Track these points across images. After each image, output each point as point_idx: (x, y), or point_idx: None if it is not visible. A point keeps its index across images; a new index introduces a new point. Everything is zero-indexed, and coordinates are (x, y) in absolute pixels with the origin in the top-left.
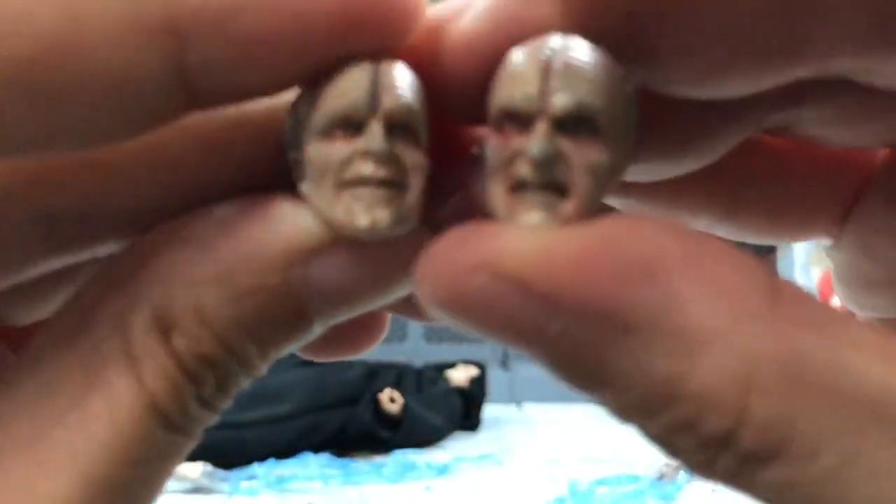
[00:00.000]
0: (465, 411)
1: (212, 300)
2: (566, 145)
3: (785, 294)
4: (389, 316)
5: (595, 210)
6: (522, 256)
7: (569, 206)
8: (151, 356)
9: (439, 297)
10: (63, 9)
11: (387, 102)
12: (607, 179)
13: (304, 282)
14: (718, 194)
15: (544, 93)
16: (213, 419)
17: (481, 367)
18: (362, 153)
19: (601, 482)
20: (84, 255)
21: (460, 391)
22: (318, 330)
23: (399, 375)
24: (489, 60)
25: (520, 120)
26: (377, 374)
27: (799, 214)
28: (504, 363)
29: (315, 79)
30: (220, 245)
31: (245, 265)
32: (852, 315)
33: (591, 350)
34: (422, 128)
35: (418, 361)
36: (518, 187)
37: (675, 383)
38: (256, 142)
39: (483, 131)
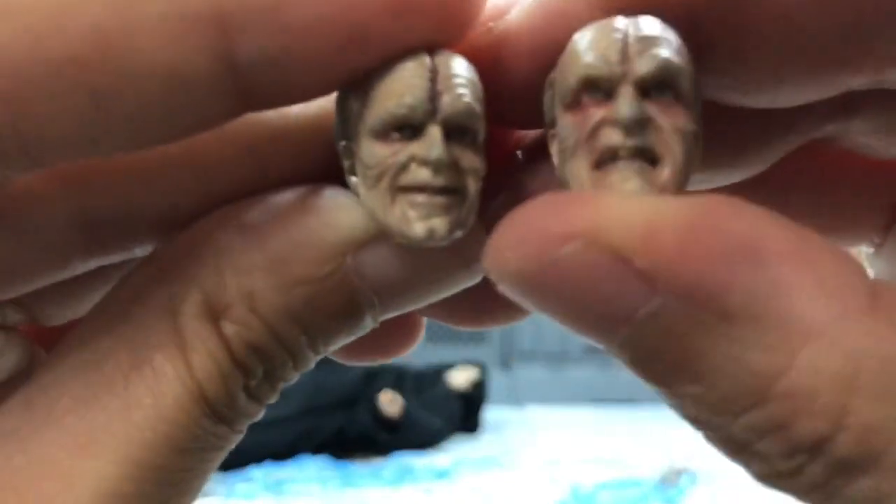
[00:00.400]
0: (465, 413)
1: (263, 287)
2: (653, 110)
3: (885, 295)
4: (425, 319)
5: (687, 182)
6: (626, 227)
7: (665, 172)
8: (201, 342)
9: (521, 266)
10: (107, 4)
11: (446, 105)
12: (694, 146)
13: (355, 273)
14: (768, 201)
15: (626, 58)
16: (259, 414)
17: (482, 368)
18: (422, 160)
19: (604, 486)
20: (121, 256)
21: (460, 393)
22: (368, 324)
23: (398, 377)
24: (543, 56)
25: (601, 89)
26: (376, 376)
27: (843, 222)
28: (505, 364)
29: (366, 73)
30: (273, 233)
31: (297, 253)
32: None
33: (683, 338)
34: (481, 128)
35: (418, 362)
36: (604, 160)
37: (771, 379)
38: (299, 144)
39: (526, 134)
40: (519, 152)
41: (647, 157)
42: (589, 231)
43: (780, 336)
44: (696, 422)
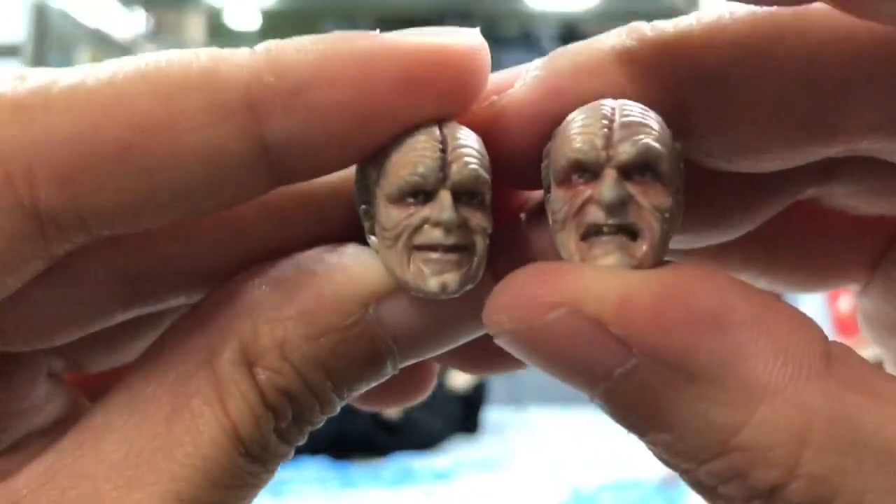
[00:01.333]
0: (464, 414)
1: (293, 337)
2: (633, 190)
3: (838, 356)
4: (437, 367)
5: (664, 252)
6: (603, 297)
7: (643, 246)
8: (236, 387)
9: (513, 328)
10: (153, 93)
11: (455, 172)
12: (671, 223)
13: (377, 323)
14: (756, 255)
15: (609, 144)
16: (289, 455)
17: None
18: (434, 222)
19: (605, 488)
20: (158, 307)
21: (460, 394)
22: (389, 371)
23: None
24: (540, 127)
25: (588, 171)
26: None
27: (830, 268)
28: None
29: (382, 146)
30: (303, 287)
31: (324, 306)
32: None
33: (654, 394)
34: (487, 191)
35: None
36: (590, 234)
37: (731, 432)
38: (322, 207)
39: (530, 195)
40: (522, 214)
41: (628, 232)
42: (571, 300)
43: (739, 395)
44: (668, 465)
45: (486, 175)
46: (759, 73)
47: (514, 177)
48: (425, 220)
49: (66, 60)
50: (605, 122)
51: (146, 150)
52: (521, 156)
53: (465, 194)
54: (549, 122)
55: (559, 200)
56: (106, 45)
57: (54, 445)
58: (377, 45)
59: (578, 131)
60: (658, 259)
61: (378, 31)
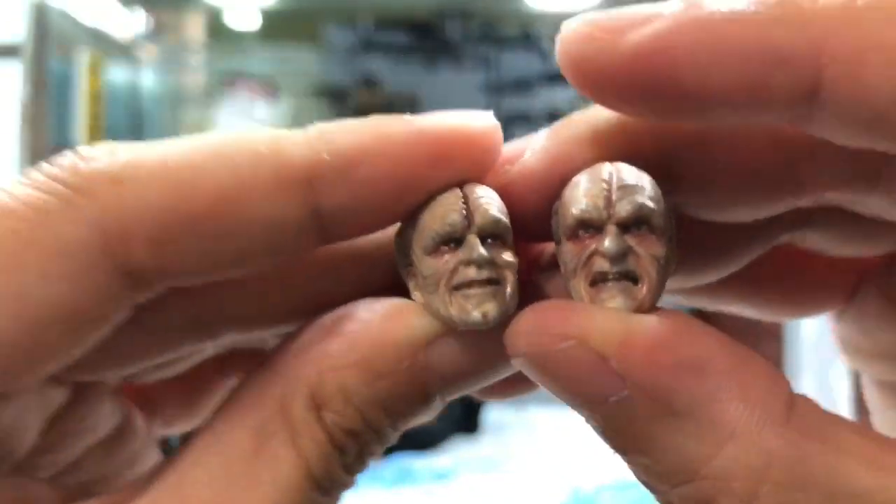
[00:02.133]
0: (465, 414)
1: (355, 382)
2: (632, 242)
3: (800, 406)
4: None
5: (661, 293)
6: (606, 335)
7: (643, 290)
8: (307, 430)
9: (529, 353)
10: (228, 169)
11: (478, 218)
12: (665, 268)
13: (425, 365)
14: (744, 290)
15: (609, 204)
16: (353, 485)
17: None
18: (466, 262)
19: (605, 488)
20: (213, 342)
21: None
22: (438, 405)
23: None
24: (548, 190)
25: (592, 227)
26: None
27: (810, 300)
28: None
29: (415, 209)
30: (360, 336)
31: (380, 353)
32: (853, 424)
33: (639, 422)
34: (508, 234)
35: None
36: (597, 280)
37: (701, 463)
38: (367, 264)
39: (543, 246)
40: (540, 264)
41: (629, 278)
42: (580, 335)
43: (711, 432)
44: (646, 485)
45: (505, 219)
46: (733, 139)
47: (527, 231)
48: (459, 263)
49: (65, 60)
50: (604, 185)
51: (222, 218)
52: (532, 214)
53: (489, 237)
54: (556, 185)
55: (569, 252)
56: (106, 45)
57: (145, 489)
58: (411, 128)
59: (583, 194)
60: (656, 299)
61: (376, 29)
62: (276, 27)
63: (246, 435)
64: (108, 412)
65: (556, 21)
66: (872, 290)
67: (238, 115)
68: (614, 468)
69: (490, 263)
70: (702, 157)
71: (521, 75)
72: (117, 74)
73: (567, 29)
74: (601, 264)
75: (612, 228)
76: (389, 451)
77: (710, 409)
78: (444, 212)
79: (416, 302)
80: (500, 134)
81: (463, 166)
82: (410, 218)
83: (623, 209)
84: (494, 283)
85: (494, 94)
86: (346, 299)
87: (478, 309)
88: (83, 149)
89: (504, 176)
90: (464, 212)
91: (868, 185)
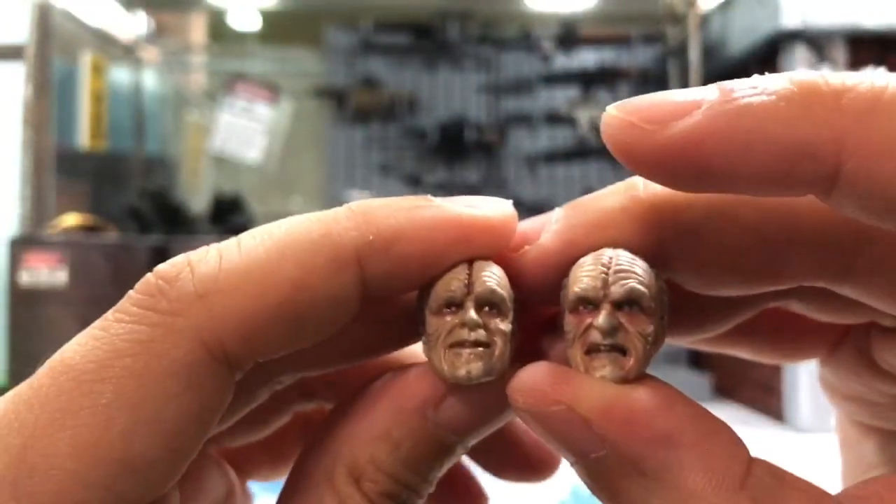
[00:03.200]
0: None
1: (380, 453)
2: (623, 319)
3: (756, 471)
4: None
5: (647, 364)
6: (591, 403)
7: (630, 361)
8: (351, 499)
9: (526, 408)
10: (292, 261)
11: (477, 288)
12: (653, 343)
13: (437, 423)
14: (736, 341)
15: (606, 285)
16: None
17: None
18: (461, 324)
19: None
20: (282, 384)
21: None
22: (460, 452)
23: None
24: (561, 267)
25: (590, 304)
26: None
27: (798, 351)
28: None
29: (435, 276)
30: (379, 412)
31: (396, 422)
32: (805, 485)
33: (613, 477)
34: (504, 304)
35: None
36: (591, 350)
37: None
38: (398, 315)
39: (554, 309)
40: (555, 323)
41: (619, 350)
42: (570, 400)
43: (671, 494)
44: None
45: (500, 291)
46: (723, 230)
47: (543, 299)
48: (455, 325)
49: (68, 62)
50: (603, 268)
51: (294, 304)
52: (547, 285)
53: (486, 305)
54: (568, 263)
55: (570, 324)
56: (108, 47)
57: None
58: (439, 213)
59: (584, 275)
60: (642, 369)
61: (376, 31)
62: (277, 29)
63: None
64: (216, 479)
65: (554, 22)
66: (849, 346)
67: (239, 115)
68: None
69: (480, 327)
70: (694, 244)
71: (520, 76)
72: (120, 76)
73: (610, 114)
74: (595, 336)
75: (606, 307)
76: None
77: (675, 475)
78: (450, 280)
79: (422, 363)
80: (515, 221)
81: (480, 247)
82: (428, 285)
83: (616, 291)
84: (483, 345)
85: (494, 94)
86: (386, 342)
87: (464, 367)
88: (161, 269)
89: (525, 255)
90: (465, 282)
91: (839, 278)
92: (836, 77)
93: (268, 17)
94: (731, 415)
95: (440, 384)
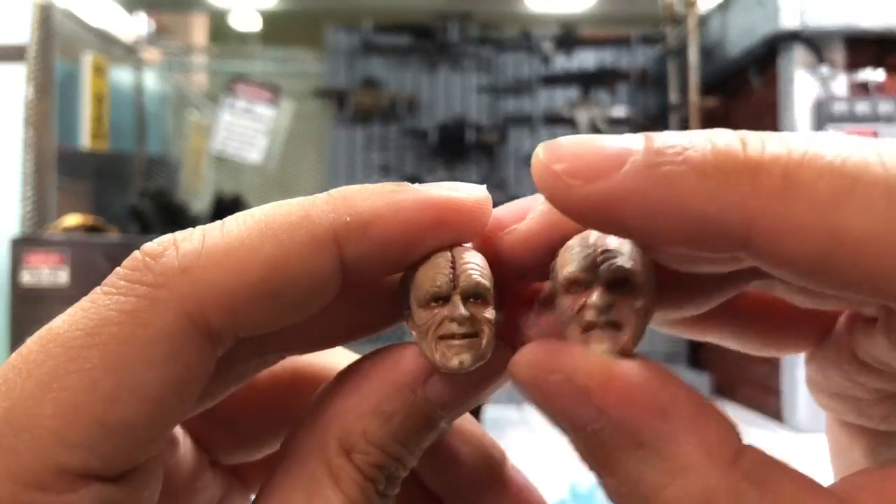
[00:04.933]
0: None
1: (371, 426)
2: (617, 296)
3: (748, 454)
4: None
5: (640, 338)
6: (590, 374)
7: (625, 336)
8: (344, 472)
9: (525, 379)
10: (271, 241)
11: (462, 282)
12: (645, 317)
13: (424, 399)
14: (722, 325)
15: (595, 266)
16: (390, 503)
17: None
18: (449, 318)
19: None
20: (255, 367)
21: None
22: (445, 427)
23: None
24: (547, 247)
25: (583, 285)
26: None
27: (783, 340)
28: None
29: (415, 261)
30: (370, 387)
31: (387, 396)
32: (795, 473)
33: (610, 449)
34: (489, 294)
35: None
36: (587, 328)
37: (657, 489)
38: (380, 299)
39: (542, 285)
40: (537, 302)
41: (614, 325)
42: (568, 370)
43: (667, 465)
44: (611, 499)
45: (485, 282)
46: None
47: (524, 276)
48: (444, 318)
49: (70, 62)
50: (589, 250)
51: (274, 280)
52: (531, 264)
53: (471, 296)
54: (553, 243)
55: (565, 304)
56: (109, 47)
57: None
58: (417, 197)
59: (573, 258)
60: (636, 343)
61: (376, 32)
62: (278, 30)
63: (300, 486)
64: (211, 480)
65: (553, 23)
66: (833, 340)
67: (240, 116)
68: None
69: (469, 320)
70: (657, 236)
71: (519, 77)
72: (121, 76)
73: (538, 157)
74: (590, 315)
75: (598, 287)
76: None
77: (670, 446)
78: (434, 275)
79: (412, 345)
80: (490, 205)
81: (457, 230)
82: (411, 268)
83: (605, 272)
84: (472, 336)
85: (494, 95)
86: (368, 325)
87: (456, 358)
88: (148, 247)
89: (511, 234)
90: (450, 276)
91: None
92: (756, 147)
93: (268, 18)
94: (730, 414)
95: (424, 362)
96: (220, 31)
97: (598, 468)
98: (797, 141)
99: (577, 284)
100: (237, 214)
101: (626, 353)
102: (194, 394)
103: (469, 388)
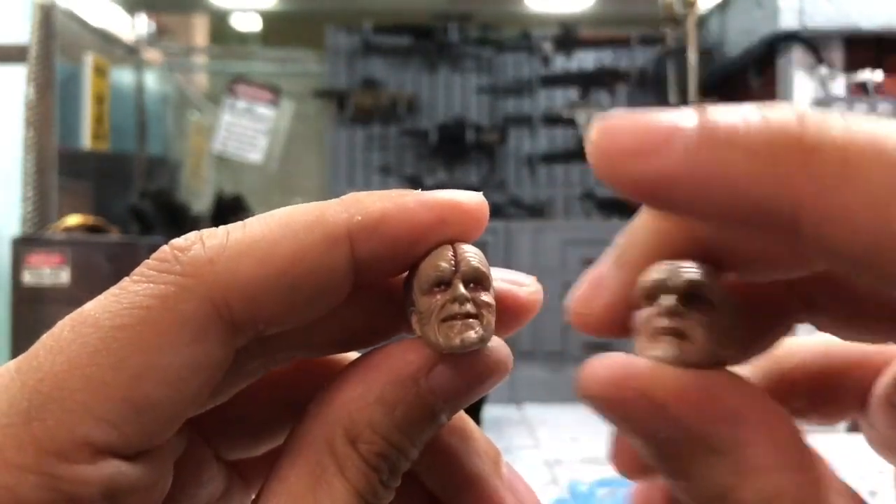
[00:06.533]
0: (466, 412)
1: (376, 416)
2: (688, 308)
3: (812, 454)
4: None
5: (707, 354)
6: (665, 389)
7: (692, 348)
8: (350, 460)
9: (597, 394)
10: (290, 238)
11: (462, 267)
12: (715, 332)
13: (427, 390)
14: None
15: (669, 278)
16: (392, 495)
17: None
18: (451, 300)
19: (602, 483)
20: (262, 369)
21: None
22: (444, 421)
23: None
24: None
25: (653, 297)
26: None
27: (835, 413)
28: None
29: (420, 258)
30: (375, 378)
31: (391, 386)
32: (844, 486)
33: (683, 455)
34: (487, 280)
35: None
36: (656, 336)
37: (730, 490)
38: (387, 304)
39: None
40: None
41: (679, 335)
42: (644, 386)
43: (739, 468)
44: (682, 501)
45: (483, 268)
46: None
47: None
48: (446, 300)
49: (71, 63)
50: (669, 265)
51: (292, 274)
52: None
53: (471, 281)
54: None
55: (641, 313)
56: (110, 48)
57: None
58: (420, 198)
59: (655, 274)
60: (703, 355)
61: (376, 33)
62: (278, 31)
63: (305, 473)
64: (216, 474)
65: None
66: (879, 398)
67: (241, 116)
68: (609, 465)
69: (469, 301)
70: (736, 255)
71: (519, 78)
72: (122, 77)
73: (594, 137)
74: (661, 321)
75: (670, 297)
76: None
77: (743, 450)
78: (437, 261)
79: (415, 337)
80: (486, 208)
81: (458, 227)
82: (414, 267)
83: (677, 283)
84: (473, 316)
85: (493, 96)
86: (376, 330)
87: (458, 337)
88: (176, 241)
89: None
90: (452, 262)
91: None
92: (813, 127)
93: (269, 18)
94: None
95: (431, 355)
96: (220, 31)
97: (671, 474)
98: (861, 125)
99: (656, 295)
100: (258, 216)
101: (689, 364)
102: (214, 381)
103: (471, 380)
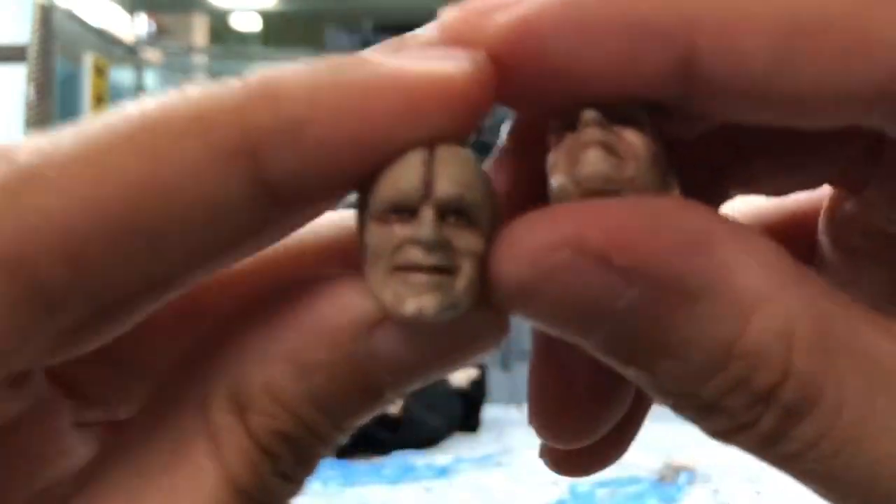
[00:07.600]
0: (465, 412)
1: (283, 377)
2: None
3: (806, 270)
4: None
5: (656, 175)
6: (605, 234)
7: (626, 164)
8: (230, 435)
9: (520, 275)
10: (138, 152)
11: (439, 189)
12: (653, 154)
13: (369, 354)
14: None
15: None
16: (298, 491)
17: (481, 367)
18: (412, 240)
19: (602, 484)
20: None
21: (460, 392)
22: (389, 399)
23: None
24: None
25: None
26: None
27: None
28: (504, 364)
29: (377, 168)
30: (288, 324)
31: (311, 341)
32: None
33: (656, 321)
34: (479, 211)
35: None
36: (584, 148)
37: (730, 344)
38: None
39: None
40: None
41: (610, 149)
42: (574, 240)
43: (732, 309)
44: (670, 394)
45: (474, 192)
46: None
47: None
48: (406, 240)
49: (71, 63)
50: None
51: (145, 213)
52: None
53: (453, 213)
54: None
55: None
56: (110, 48)
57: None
58: (375, 74)
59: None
60: (645, 178)
61: (376, 32)
62: (278, 31)
63: (164, 443)
64: (75, 444)
65: None
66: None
67: None
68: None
69: (442, 247)
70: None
71: None
72: (122, 77)
73: (444, 15)
74: (587, 134)
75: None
76: (390, 448)
77: (725, 282)
78: (399, 174)
79: (361, 278)
80: (490, 80)
81: (438, 123)
82: (372, 176)
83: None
84: (443, 271)
85: None
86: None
87: (414, 300)
88: None
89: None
90: (422, 177)
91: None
92: None
93: (269, 18)
94: None
95: (378, 305)
96: (220, 31)
97: (646, 358)
98: None
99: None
100: (106, 113)
101: (631, 184)
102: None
103: (437, 350)
